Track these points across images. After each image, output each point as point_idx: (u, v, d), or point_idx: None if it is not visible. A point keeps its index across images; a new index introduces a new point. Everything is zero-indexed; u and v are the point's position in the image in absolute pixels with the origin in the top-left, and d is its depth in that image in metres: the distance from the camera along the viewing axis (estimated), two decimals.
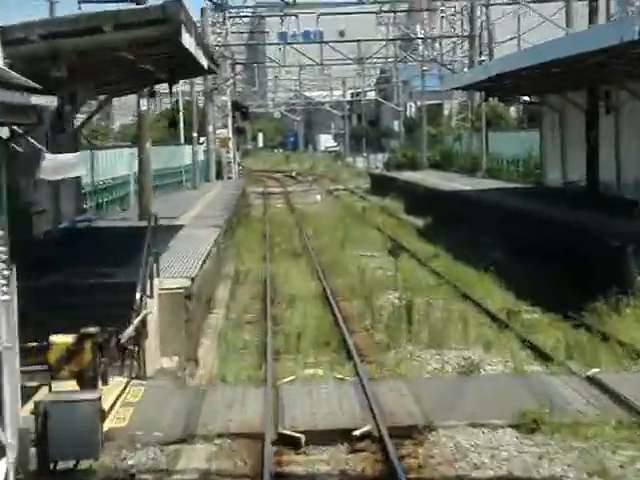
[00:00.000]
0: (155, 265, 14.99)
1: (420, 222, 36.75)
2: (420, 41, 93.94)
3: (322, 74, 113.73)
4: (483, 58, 49.73)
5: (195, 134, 44.20)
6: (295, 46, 63.63)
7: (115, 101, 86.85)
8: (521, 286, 20.93)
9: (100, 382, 11.35)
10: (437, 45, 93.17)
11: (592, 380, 13.01)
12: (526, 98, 41.56)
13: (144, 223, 15.25)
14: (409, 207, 42.54)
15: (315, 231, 34.35)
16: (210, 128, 51.56)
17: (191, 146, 50.55)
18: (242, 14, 63.63)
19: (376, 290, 21.20)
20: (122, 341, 12.06)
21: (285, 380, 13.84)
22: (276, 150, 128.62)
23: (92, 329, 11.35)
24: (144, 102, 25.98)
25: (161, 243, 19.09)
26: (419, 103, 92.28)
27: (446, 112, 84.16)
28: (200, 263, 17.81)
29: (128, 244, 14.04)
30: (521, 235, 25.58)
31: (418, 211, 39.44)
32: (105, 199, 30.37)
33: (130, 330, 12.62)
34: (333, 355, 15.84)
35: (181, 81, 57.85)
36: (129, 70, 18.31)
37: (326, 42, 62.58)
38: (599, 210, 24.22)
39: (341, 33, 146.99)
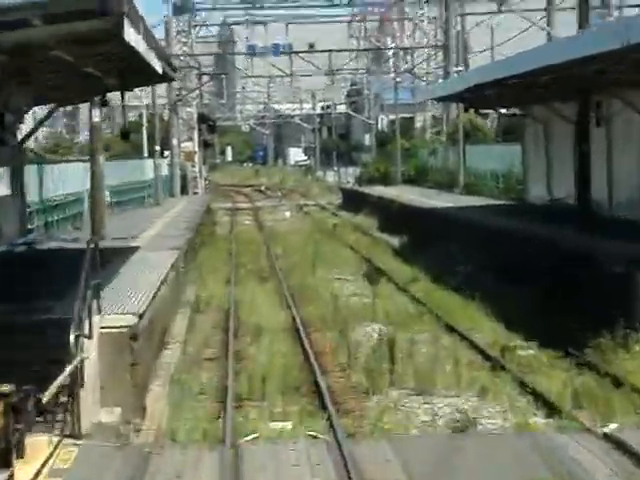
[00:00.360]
0: (96, 300, 12.80)
1: (395, 241, 34.70)
2: (391, 53, 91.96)
3: (292, 87, 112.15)
4: (459, 68, 47.84)
5: (157, 147, 41.95)
6: (265, 58, 61.78)
7: (82, 115, 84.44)
8: (511, 315, 18.86)
9: (15, 455, 9.17)
10: (409, 57, 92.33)
11: (611, 439, 10.93)
12: (503, 110, 39.69)
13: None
14: (383, 224, 40.50)
15: (284, 250, 32.22)
16: (174, 141, 49.31)
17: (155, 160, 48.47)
18: (208, 23, 61.43)
19: (352, 321, 19.05)
20: (44, 400, 9.84)
21: (247, 438, 11.67)
22: (245, 164, 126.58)
23: (5, 387, 9.18)
24: (96, 113, 23.81)
25: (109, 270, 16.94)
26: (391, 116, 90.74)
27: (418, 124, 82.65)
28: (152, 294, 15.61)
29: (74, 270, 12.03)
30: (507, 258, 23.54)
31: (393, 229, 37.41)
32: (55, 218, 28.07)
33: (57, 383, 10.42)
34: (304, 402, 13.68)
35: (145, 93, 55.68)
36: (72, 74, 16.12)
37: (296, 52, 60.66)
38: (592, 230, 22.22)
39: (311, 45, 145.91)
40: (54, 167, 29.30)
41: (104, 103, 21.39)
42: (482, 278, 22.73)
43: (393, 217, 38.93)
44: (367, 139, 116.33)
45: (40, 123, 24.09)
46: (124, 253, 20.66)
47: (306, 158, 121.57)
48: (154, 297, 15.60)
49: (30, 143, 29.05)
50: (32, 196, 24.94)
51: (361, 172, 62.45)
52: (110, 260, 18.15)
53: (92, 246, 12.79)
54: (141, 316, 13.65)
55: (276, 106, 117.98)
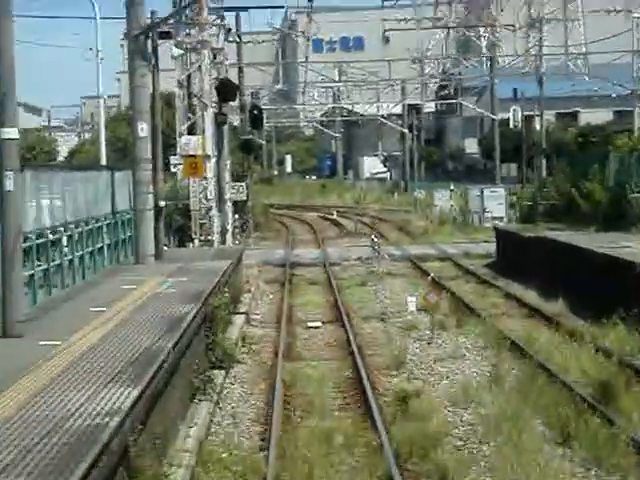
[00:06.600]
0: None
1: None
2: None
3: (367, 81, 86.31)
4: None
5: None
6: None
7: None
8: None
9: None
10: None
11: None
12: None
13: None
14: None
15: None
16: (141, 129, 20.20)
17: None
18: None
19: None
20: None
21: None
22: (307, 177, 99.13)
23: None
24: None
25: None
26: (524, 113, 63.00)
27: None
28: None
29: None
30: None
31: None
32: None
33: None
34: None
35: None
36: None
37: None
38: None
39: (385, 39, 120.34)
40: None
41: None
42: None
43: None
44: (468, 144, 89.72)
45: None
46: None
47: (385, 169, 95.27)
48: None
49: None
50: None
51: (534, 197, 32.32)
52: None
53: None
54: None
55: (348, 103, 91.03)
